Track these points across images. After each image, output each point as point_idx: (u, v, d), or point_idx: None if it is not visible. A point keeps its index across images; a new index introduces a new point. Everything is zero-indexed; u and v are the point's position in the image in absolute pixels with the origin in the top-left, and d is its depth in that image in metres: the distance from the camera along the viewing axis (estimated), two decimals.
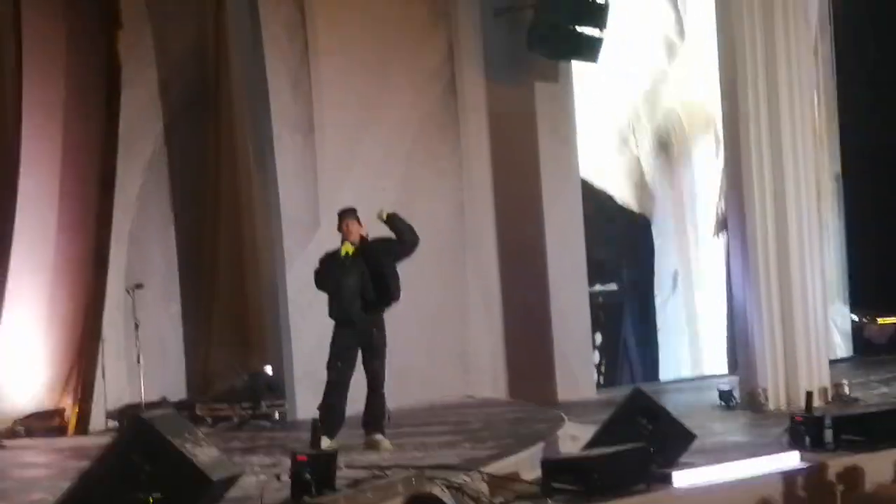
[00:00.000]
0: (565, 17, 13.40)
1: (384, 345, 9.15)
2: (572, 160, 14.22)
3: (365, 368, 9.10)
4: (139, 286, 11.83)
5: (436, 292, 12.95)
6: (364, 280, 9.05)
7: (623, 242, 15.56)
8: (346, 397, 9.03)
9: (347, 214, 9.23)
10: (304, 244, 11.67)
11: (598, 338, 14.76)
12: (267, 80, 11.93)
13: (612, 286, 15.22)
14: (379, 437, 8.92)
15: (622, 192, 15.45)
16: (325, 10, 12.27)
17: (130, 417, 6.88)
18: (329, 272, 9.17)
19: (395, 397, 12.26)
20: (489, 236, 13.63)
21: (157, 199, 12.63)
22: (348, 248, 9.06)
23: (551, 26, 13.37)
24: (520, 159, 13.78)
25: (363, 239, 9.13)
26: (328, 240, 11.80)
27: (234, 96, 12.85)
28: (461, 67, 13.51)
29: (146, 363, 11.63)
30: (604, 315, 14.95)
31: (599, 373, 14.74)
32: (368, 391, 9.08)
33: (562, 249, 13.85)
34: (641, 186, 15.58)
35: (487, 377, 13.22)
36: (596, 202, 14.85)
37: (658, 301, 15.49)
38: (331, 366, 9.02)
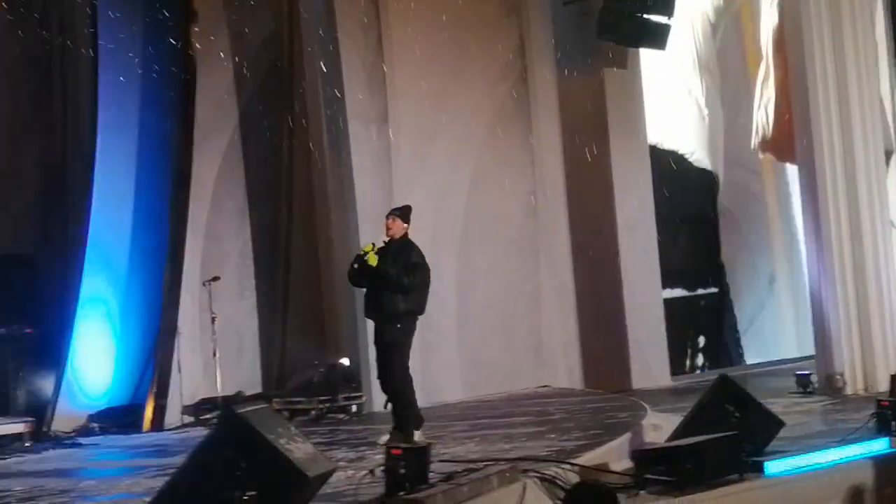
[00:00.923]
0: (634, 5, 13.30)
1: (397, 343, 8.98)
2: (643, 149, 14.16)
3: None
4: (215, 279, 11.87)
5: (510, 284, 12.98)
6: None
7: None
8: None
9: (394, 211, 9.24)
10: (378, 235, 11.65)
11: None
12: (342, 73, 11.95)
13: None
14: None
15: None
16: (398, 5, 12.28)
17: (225, 413, 6.81)
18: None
19: (473, 388, 12.32)
20: (562, 227, 13.61)
21: (232, 193, 12.68)
22: (367, 248, 9.07)
23: (620, 14, 13.27)
24: (591, 149, 13.71)
25: (391, 239, 9.04)
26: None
27: (308, 89, 12.84)
28: (532, 59, 13.49)
29: (222, 357, 11.68)
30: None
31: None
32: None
33: (633, 239, 13.78)
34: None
35: (562, 367, 13.22)
36: None
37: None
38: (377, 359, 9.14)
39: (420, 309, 9.08)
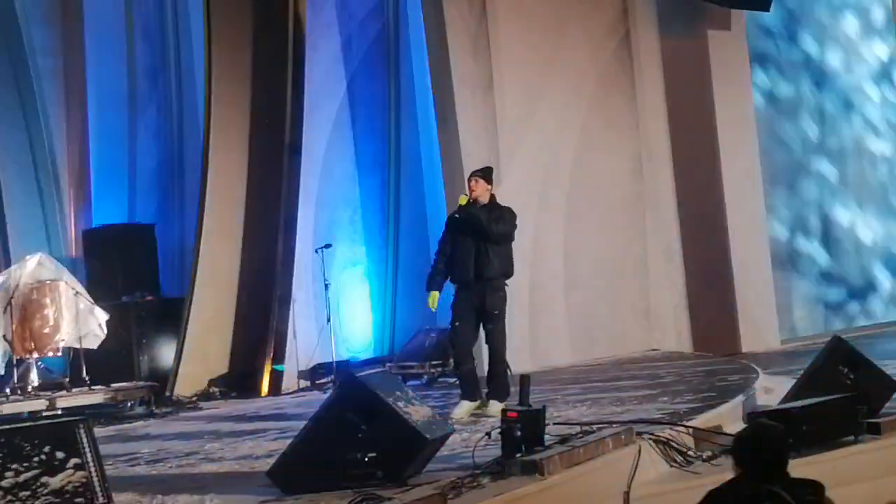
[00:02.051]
0: None
1: (500, 311, 8.59)
2: (748, 109, 13.94)
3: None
4: (327, 246, 12.08)
5: (616, 248, 12.97)
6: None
7: None
8: (471, 360, 8.71)
9: (475, 172, 8.85)
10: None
11: None
12: (447, 40, 12.03)
13: None
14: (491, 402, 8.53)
15: None
16: None
17: (345, 377, 6.98)
18: (445, 230, 8.88)
19: (581, 352, 12.38)
20: (668, 189, 13.50)
21: (342, 161, 12.89)
22: (462, 201, 8.69)
23: None
24: (696, 111, 13.58)
25: (474, 201, 8.63)
26: (509, 196, 11.90)
27: (413, 55, 12.97)
28: (635, 20, 13.38)
29: (335, 322, 11.91)
30: None
31: None
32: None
33: (740, 200, 13.63)
34: None
35: (671, 330, 13.18)
36: None
37: None
38: (451, 328, 8.78)
39: (512, 272, 8.77)
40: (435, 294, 8.76)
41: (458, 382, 8.94)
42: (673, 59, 13.56)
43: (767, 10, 13.49)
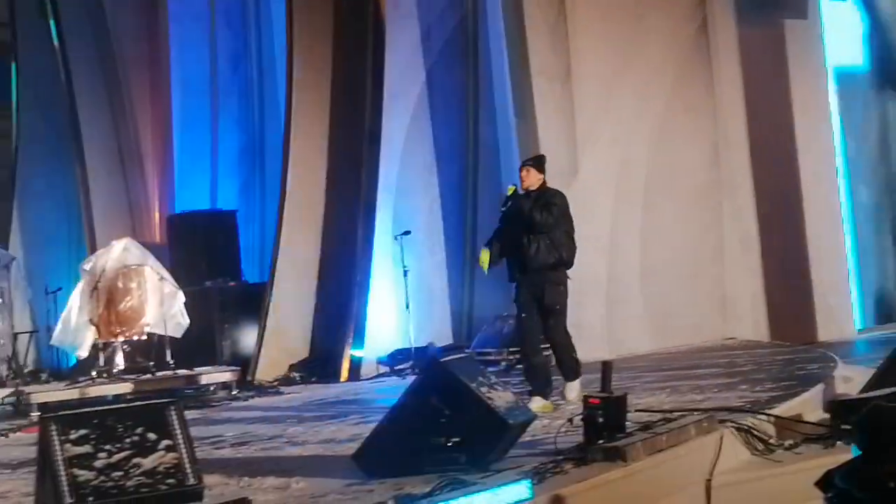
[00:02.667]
0: None
1: (562, 305, 8.37)
2: (824, 98, 13.85)
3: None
4: (406, 233, 12.21)
5: (694, 236, 12.94)
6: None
7: None
8: (540, 352, 8.55)
9: (526, 162, 8.69)
10: (563, 189, 11.75)
11: None
12: (525, 30, 12.08)
13: None
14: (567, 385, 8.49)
15: None
16: None
17: (429, 362, 7.06)
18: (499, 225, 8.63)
19: (657, 341, 12.39)
20: (745, 178, 13.46)
21: (421, 150, 12.99)
22: (510, 191, 8.48)
23: None
24: (772, 99, 13.52)
25: (525, 190, 8.42)
26: (585, 186, 11.98)
27: (492, 46, 13.03)
28: (713, 10, 13.32)
29: (413, 309, 12.02)
30: None
31: None
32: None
33: (817, 189, 13.57)
34: None
35: (747, 319, 13.12)
36: None
37: None
38: (517, 321, 8.65)
39: (572, 263, 8.49)
40: (487, 251, 8.51)
41: (527, 376, 8.63)
42: (750, 47, 13.51)
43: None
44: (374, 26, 12.39)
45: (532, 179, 8.44)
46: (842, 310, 13.59)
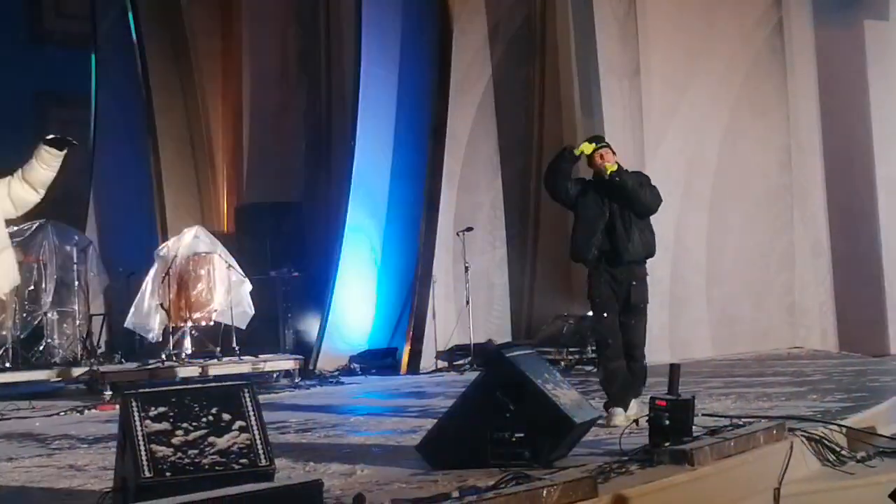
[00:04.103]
0: None
1: (644, 303, 7.50)
2: None
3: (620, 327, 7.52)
4: (469, 229, 12.16)
5: (763, 241, 12.74)
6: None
7: None
8: (622, 357, 7.53)
9: (600, 144, 7.43)
10: None
11: None
12: (594, 26, 11.97)
13: None
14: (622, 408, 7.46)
15: None
16: None
17: (493, 356, 7.00)
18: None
19: (722, 346, 12.20)
20: (817, 184, 13.19)
21: (485, 145, 12.93)
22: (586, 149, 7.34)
23: None
24: (849, 103, 13.20)
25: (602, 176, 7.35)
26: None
27: (560, 42, 12.92)
28: (789, 10, 13.09)
29: (473, 305, 11.97)
30: None
31: None
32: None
33: (892, 197, 13.19)
34: None
35: (816, 328, 12.86)
36: None
37: None
38: (596, 321, 7.59)
39: (654, 252, 7.58)
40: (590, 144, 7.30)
41: (607, 385, 7.55)
42: (827, 49, 13.22)
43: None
44: (440, 22, 12.33)
45: (611, 159, 7.36)
46: None
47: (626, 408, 7.46)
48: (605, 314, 7.51)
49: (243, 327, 11.25)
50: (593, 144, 7.38)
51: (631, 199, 7.33)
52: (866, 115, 13.21)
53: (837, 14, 13.24)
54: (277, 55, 13.98)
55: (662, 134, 12.30)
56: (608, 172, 7.32)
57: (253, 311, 11.33)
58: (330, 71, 13.74)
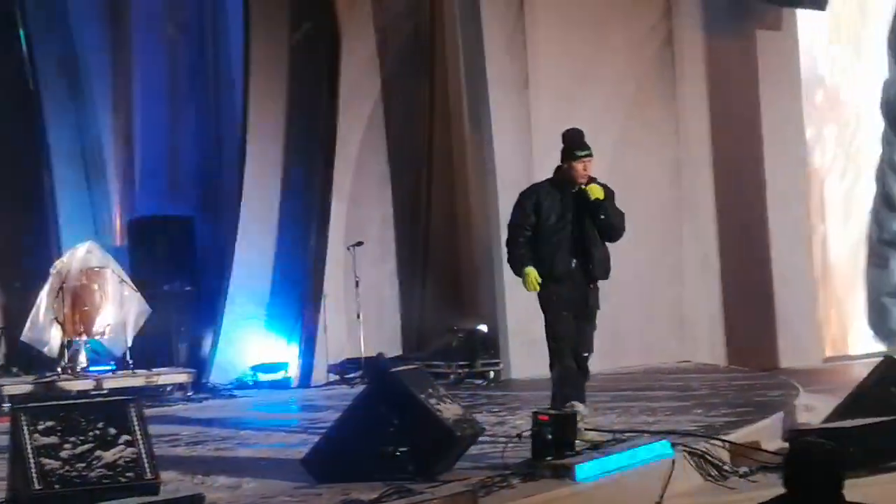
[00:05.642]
0: None
1: (598, 308, 7.69)
2: (797, 115, 13.51)
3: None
4: (359, 244, 12.11)
5: (653, 255, 12.67)
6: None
7: None
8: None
9: (587, 152, 7.63)
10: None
11: None
12: (483, 38, 11.92)
13: None
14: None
15: None
16: None
17: (378, 371, 7.04)
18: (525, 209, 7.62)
19: (611, 360, 12.20)
20: (707, 196, 13.19)
21: (375, 159, 12.84)
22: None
23: None
24: (740, 115, 13.20)
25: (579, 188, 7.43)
26: None
27: (449, 54, 12.89)
28: (679, 21, 13.07)
29: (364, 319, 11.91)
30: None
31: None
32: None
33: (784, 209, 13.27)
34: None
35: (704, 342, 12.86)
36: None
37: None
38: (551, 319, 7.45)
39: None
40: (532, 270, 7.31)
41: (562, 385, 7.33)
42: (718, 61, 13.22)
43: (823, 8, 13.16)
44: (329, 29, 12.25)
45: (591, 172, 7.41)
46: (807, 335, 13.25)
47: (582, 402, 7.25)
48: (564, 312, 7.41)
49: (131, 339, 11.36)
50: (602, 189, 7.32)
51: (606, 228, 7.45)
52: (757, 128, 13.28)
53: (729, 25, 13.27)
54: (166, 72, 13.80)
55: (552, 146, 12.15)
56: (592, 197, 7.35)
57: (143, 322, 11.43)
58: (219, 87, 13.58)
